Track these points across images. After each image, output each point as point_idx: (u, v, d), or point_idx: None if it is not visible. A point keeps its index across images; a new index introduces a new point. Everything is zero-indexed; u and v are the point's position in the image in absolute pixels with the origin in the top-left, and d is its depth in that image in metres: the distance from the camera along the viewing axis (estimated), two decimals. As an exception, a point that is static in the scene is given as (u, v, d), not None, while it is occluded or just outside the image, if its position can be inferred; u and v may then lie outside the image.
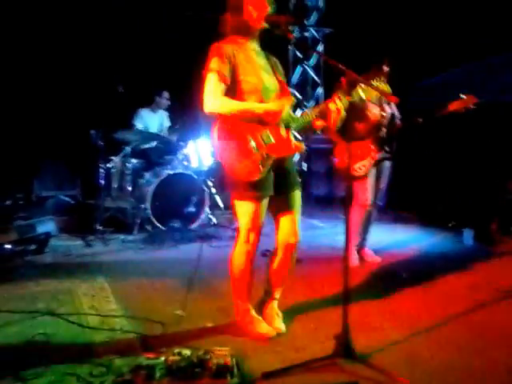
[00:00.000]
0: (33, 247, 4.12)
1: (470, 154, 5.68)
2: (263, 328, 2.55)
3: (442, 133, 5.35)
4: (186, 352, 2.12)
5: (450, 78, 5.93)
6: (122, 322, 2.71)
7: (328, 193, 7.05)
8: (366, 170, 3.84)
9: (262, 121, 2.37)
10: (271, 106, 2.37)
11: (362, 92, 2.29)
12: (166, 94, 5.77)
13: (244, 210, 2.43)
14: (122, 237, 4.83)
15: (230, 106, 2.33)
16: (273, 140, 2.37)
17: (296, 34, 7.39)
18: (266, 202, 2.43)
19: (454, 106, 3.52)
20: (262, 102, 2.40)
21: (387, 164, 4.05)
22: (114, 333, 2.55)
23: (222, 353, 2.10)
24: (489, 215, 4.94)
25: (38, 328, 2.56)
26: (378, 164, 3.89)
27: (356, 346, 2.23)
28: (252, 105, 2.37)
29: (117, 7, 6.23)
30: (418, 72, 6.19)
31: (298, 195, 2.55)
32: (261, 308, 2.67)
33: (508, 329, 2.71)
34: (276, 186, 2.44)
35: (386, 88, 2.37)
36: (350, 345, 2.21)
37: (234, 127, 2.35)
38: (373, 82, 2.31)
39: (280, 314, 2.69)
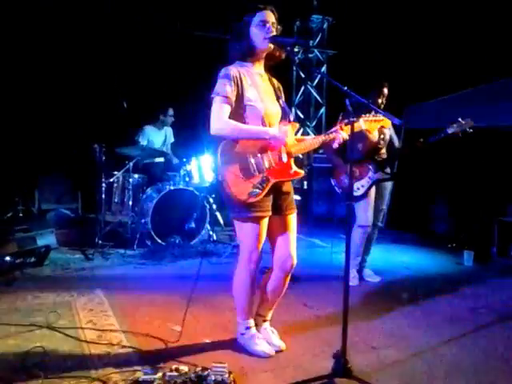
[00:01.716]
0: (32, 260, 4.11)
1: (470, 176, 5.71)
2: (262, 346, 2.54)
3: (443, 155, 5.39)
4: (184, 368, 2.11)
5: (445, 102, 6.01)
6: (119, 337, 2.69)
7: (329, 212, 7.06)
8: (364, 190, 3.86)
9: (265, 144, 2.40)
10: (276, 131, 2.40)
11: (363, 123, 2.32)
12: (170, 112, 5.83)
13: (245, 230, 2.45)
14: (121, 251, 4.82)
15: (236, 129, 2.37)
16: (274, 164, 2.40)
17: (300, 56, 7.50)
18: (266, 221, 2.46)
19: (452, 130, 3.57)
20: (265, 126, 2.44)
21: (387, 185, 4.08)
22: (111, 347, 2.54)
23: (219, 370, 2.09)
24: (488, 237, 4.94)
25: (35, 341, 2.55)
26: (377, 185, 3.91)
27: (354, 366, 2.22)
28: (257, 129, 2.40)
29: (123, 24, 6.34)
30: (416, 94, 6.27)
31: (294, 218, 2.58)
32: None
33: (507, 353, 2.69)
34: (274, 208, 2.47)
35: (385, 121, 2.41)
36: (348, 364, 2.20)
37: (237, 149, 2.38)
38: (376, 109, 2.34)
39: (275, 332, 2.68)
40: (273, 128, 2.43)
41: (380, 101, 3.91)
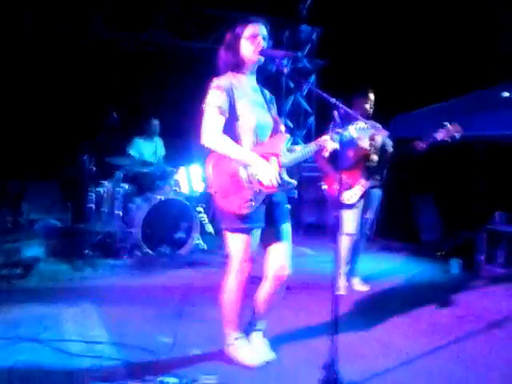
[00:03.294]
0: (19, 271, 4.06)
1: (457, 184, 5.77)
2: (252, 356, 2.53)
3: (431, 163, 5.44)
4: (173, 380, 2.10)
5: (433, 111, 6.08)
6: (107, 349, 2.67)
7: (318, 220, 7.07)
8: (357, 198, 3.88)
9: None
10: (263, 166, 2.34)
11: (354, 130, 2.33)
12: (154, 121, 5.80)
13: (236, 241, 2.44)
14: (110, 262, 4.77)
15: (226, 147, 2.35)
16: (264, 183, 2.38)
17: (289, 66, 7.55)
18: (257, 232, 2.46)
19: (440, 136, 3.57)
20: (256, 138, 2.45)
21: (377, 193, 4.10)
22: (98, 360, 2.51)
23: (209, 381, 2.08)
24: (476, 245, 4.98)
25: (20, 354, 2.51)
26: (366, 193, 3.93)
27: (344, 375, 2.22)
28: (246, 155, 2.37)
29: (112, 35, 6.35)
30: (404, 103, 6.35)
31: (288, 227, 2.57)
32: (246, 338, 2.64)
33: (494, 361, 2.71)
34: (267, 218, 2.46)
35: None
36: (337, 374, 2.19)
37: (228, 161, 2.38)
38: (364, 120, 2.35)
39: (267, 343, 2.67)
40: (261, 161, 2.36)
41: (368, 106, 3.91)
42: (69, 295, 3.66)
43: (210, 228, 5.69)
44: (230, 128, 2.40)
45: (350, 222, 3.89)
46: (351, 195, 3.86)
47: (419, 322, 3.32)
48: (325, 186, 4.00)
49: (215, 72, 2.52)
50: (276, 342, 2.77)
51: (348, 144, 3.69)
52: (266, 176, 2.33)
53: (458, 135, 3.52)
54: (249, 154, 2.38)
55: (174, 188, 5.27)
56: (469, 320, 3.33)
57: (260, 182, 2.37)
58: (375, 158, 3.93)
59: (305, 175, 7.08)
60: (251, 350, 2.57)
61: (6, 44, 5.90)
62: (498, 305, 3.76)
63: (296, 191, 7.24)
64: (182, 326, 2.89)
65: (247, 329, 2.66)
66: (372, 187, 3.94)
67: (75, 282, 4.09)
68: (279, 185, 2.37)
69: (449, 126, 3.54)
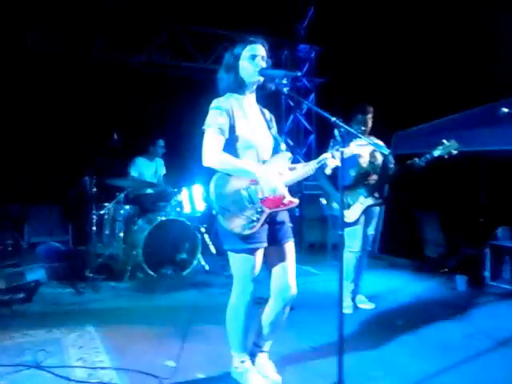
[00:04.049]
0: (21, 296, 4.02)
1: (461, 200, 5.75)
2: (257, 380, 2.49)
3: (434, 179, 5.43)
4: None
5: (434, 126, 6.09)
6: (110, 375, 2.63)
7: (321, 239, 7.04)
8: (357, 216, 3.87)
9: None
10: (265, 173, 2.36)
11: (355, 147, 2.33)
12: (160, 143, 5.86)
13: (239, 262, 2.41)
14: (113, 284, 4.74)
15: (228, 163, 2.36)
16: (267, 194, 2.39)
17: (288, 85, 7.59)
18: (261, 252, 2.43)
19: (438, 152, 3.59)
20: (257, 158, 2.45)
21: (376, 210, 4.09)
22: (101, 386, 2.47)
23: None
24: (481, 261, 4.94)
25: (23, 382, 2.48)
26: (368, 210, 3.92)
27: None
28: (248, 167, 2.37)
29: (112, 57, 6.41)
30: (403, 120, 6.37)
31: (291, 246, 2.55)
32: (251, 360, 2.60)
33: (504, 380, 2.66)
34: (270, 237, 2.44)
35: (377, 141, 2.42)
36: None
37: (230, 181, 2.38)
38: (364, 138, 2.35)
39: (272, 365, 2.63)
40: (263, 168, 2.39)
41: (364, 129, 3.94)
42: (71, 319, 3.61)
43: (212, 248, 5.66)
44: (231, 148, 2.41)
45: (352, 239, 3.87)
46: (351, 213, 3.85)
47: (427, 340, 3.27)
48: (324, 201, 3.99)
49: (215, 93, 2.54)
50: (281, 363, 2.73)
51: (349, 162, 3.71)
52: (271, 184, 2.33)
53: (455, 151, 3.55)
54: (251, 165, 2.39)
55: (175, 208, 5.26)
56: (477, 338, 3.28)
57: (262, 201, 2.37)
58: (375, 177, 3.93)
59: (306, 193, 7.08)
60: (257, 373, 2.53)
61: (7, 65, 5.95)
62: (507, 323, 3.70)
63: (298, 210, 7.23)
64: (185, 349, 2.85)
65: (252, 350, 2.62)
66: (372, 206, 3.92)
67: (77, 306, 4.05)
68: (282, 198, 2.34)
69: (446, 142, 3.57)
